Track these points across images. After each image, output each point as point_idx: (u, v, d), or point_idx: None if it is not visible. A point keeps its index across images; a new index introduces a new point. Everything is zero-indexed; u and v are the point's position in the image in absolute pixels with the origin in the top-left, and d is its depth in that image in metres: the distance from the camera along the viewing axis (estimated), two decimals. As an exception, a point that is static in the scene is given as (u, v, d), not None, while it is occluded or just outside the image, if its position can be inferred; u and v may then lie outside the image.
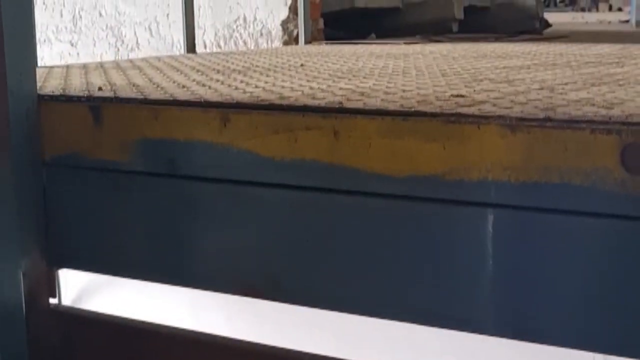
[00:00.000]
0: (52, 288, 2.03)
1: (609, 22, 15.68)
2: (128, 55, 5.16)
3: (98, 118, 1.88)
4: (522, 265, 1.48)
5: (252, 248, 1.75)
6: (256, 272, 1.75)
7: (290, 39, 4.61)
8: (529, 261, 1.48)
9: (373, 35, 5.01)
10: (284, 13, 4.62)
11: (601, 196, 1.40)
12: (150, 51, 5.00)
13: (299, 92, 1.92)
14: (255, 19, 4.72)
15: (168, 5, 4.88)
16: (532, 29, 6.25)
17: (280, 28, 4.63)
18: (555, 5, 26.16)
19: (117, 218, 1.92)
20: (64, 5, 5.31)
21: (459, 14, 5.49)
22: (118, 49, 5.20)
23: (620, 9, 24.87)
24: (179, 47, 4.70)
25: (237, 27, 4.81)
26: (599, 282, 1.43)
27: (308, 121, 1.65)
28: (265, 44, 4.70)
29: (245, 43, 4.76)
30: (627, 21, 14.79)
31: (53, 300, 2.04)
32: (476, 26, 6.04)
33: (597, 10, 25.63)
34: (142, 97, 1.87)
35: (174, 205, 1.82)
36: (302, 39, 4.42)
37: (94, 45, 5.30)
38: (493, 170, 1.48)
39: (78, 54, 5.37)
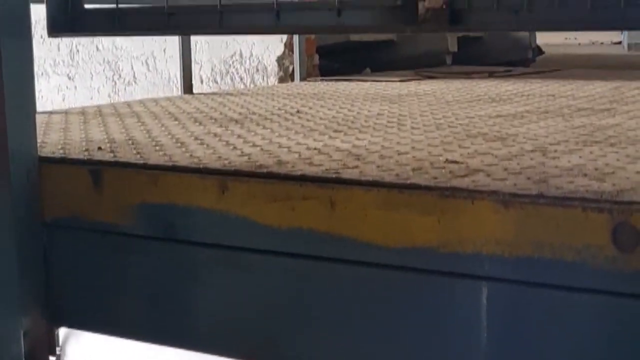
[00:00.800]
0: (52, 346, 2.06)
1: (602, 44, 15.70)
2: (125, 89, 5.20)
3: (98, 181, 1.91)
4: (515, 338, 1.51)
5: (249, 313, 1.78)
6: (254, 337, 1.77)
7: (286, 75, 4.65)
8: (522, 334, 1.51)
9: (368, 69, 5.06)
10: (279, 49, 4.67)
11: (593, 273, 1.43)
12: (147, 85, 5.04)
13: (296, 155, 1.95)
14: (251, 54, 4.76)
15: (165, 40, 4.93)
16: (525, 58, 6.30)
17: (276, 64, 4.68)
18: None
19: (117, 279, 1.94)
20: (61, 39, 5.35)
21: (453, 47, 5.54)
22: (115, 83, 5.24)
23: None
24: (176, 81, 4.74)
25: (233, 62, 4.85)
26: (590, 357, 1.46)
27: (305, 191, 1.68)
28: (261, 80, 4.74)
29: (241, 79, 4.80)
30: (619, 42, 14.82)
31: (52, 358, 2.06)
32: (470, 56, 6.09)
33: (591, 28, 25.72)
34: (141, 161, 1.90)
35: (173, 268, 1.85)
36: (297, 75, 4.46)
37: (91, 78, 5.34)
38: (487, 244, 1.51)
39: (75, 87, 5.41)
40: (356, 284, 1.65)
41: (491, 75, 4.69)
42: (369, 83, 4.21)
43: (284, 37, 4.64)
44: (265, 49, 4.65)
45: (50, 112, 3.12)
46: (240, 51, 4.80)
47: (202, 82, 4.85)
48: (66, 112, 3.08)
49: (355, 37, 5.24)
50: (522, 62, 6.33)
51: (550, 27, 1.68)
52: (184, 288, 1.84)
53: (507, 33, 6.71)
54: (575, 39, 15.76)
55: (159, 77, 5.02)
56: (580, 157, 1.88)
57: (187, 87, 3.85)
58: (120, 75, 5.26)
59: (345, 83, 4.23)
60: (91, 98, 5.26)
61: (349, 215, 1.64)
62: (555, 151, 1.97)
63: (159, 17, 1.86)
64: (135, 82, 5.22)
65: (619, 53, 11.87)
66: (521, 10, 1.51)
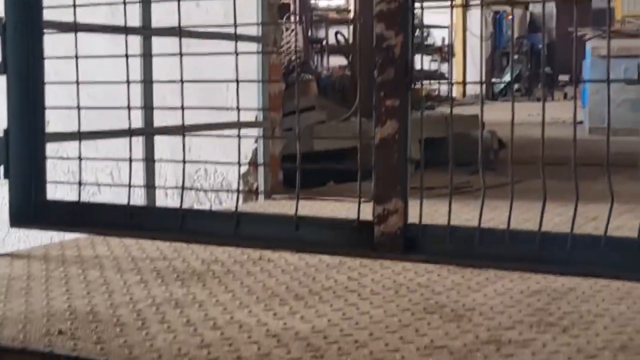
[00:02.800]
0: None
1: (563, 122, 15.92)
2: (89, 200, 5.20)
3: (58, 377, 1.92)
4: None
5: None
6: None
7: (251, 192, 4.70)
8: None
9: (332, 182, 5.13)
10: (244, 166, 4.72)
11: None
12: (110, 196, 5.05)
13: (255, 347, 1.97)
14: (216, 170, 4.81)
15: (130, 151, 4.95)
16: (487, 161, 6.41)
17: (240, 181, 4.73)
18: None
19: None
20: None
21: (416, 154, 5.62)
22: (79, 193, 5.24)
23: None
24: (140, 194, 4.76)
25: (198, 177, 4.89)
26: None
27: (263, 403, 1.70)
28: (225, 196, 4.79)
29: (205, 193, 4.84)
30: (581, 122, 15.00)
31: None
32: (433, 156, 6.18)
33: (552, 98, 26.17)
34: (102, 358, 1.91)
35: None
36: (262, 193, 4.52)
37: (56, 187, 5.33)
38: None
39: (39, 194, 5.39)
40: None
41: (457, 190, 4.76)
42: (331, 206, 4.26)
43: (249, 154, 4.70)
44: (230, 167, 4.70)
45: (12, 255, 3.12)
46: (205, 167, 4.85)
47: (166, 195, 4.88)
48: (29, 257, 3.08)
49: (319, 147, 5.31)
50: (485, 162, 6.43)
51: (501, 266, 1.73)
52: None
53: (469, 134, 6.83)
54: (538, 114, 15.86)
55: (124, 188, 5.02)
56: (533, 353, 1.92)
57: (151, 215, 3.87)
58: (84, 186, 5.27)
59: (308, 205, 4.27)
60: (55, 207, 5.26)
61: None
62: (510, 342, 2.01)
63: (121, 216, 1.89)
64: (99, 192, 5.25)
65: (580, 137, 11.84)
66: (473, 242, 1.56)
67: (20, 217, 1.97)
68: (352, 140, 5.60)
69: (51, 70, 3.03)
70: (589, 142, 11.56)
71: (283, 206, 4.29)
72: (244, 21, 4.40)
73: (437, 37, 24.89)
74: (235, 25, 2.44)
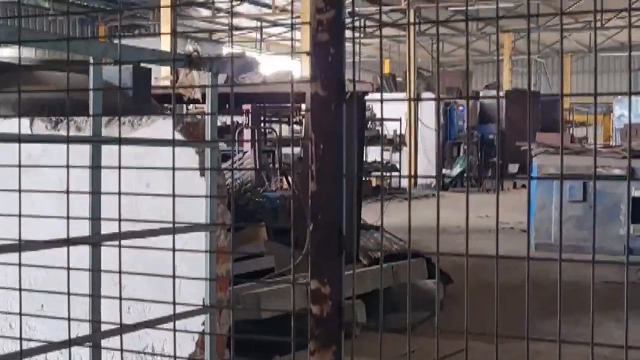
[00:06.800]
0: None
1: (512, 229, 16.11)
2: (36, 369, 5.22)
3: None
4: None
5: None
6: None
7: (194, 379, 4.75)
8: None
9: (277, 356, 5.21)
10: (191, 347, 4.77)
11: None
12: (58, 366, 5.08)
13: None
14: (163, 350, 4.85)
15: (78, 325, 5.00)
16: (431, 313, 6.55)
17: (187, 361, 4.78)
18: (462, 184, 27.02)
19: None
20: (-27, 313, 5.37)
21: (362, 318, 5.75)
22: (26, 362, 5.25)
23: (524, 186, 26.03)
24: (88, 368, 4.79)
25: (145, 356, 4.93)
26: None
27: None
28: (172, 375, 4.83)
29: (152, 374, 4.88)
30: (527, 231, 15.18)
31: None
32: (375, 315, 6.31)
33: (502, 188, 26.61)
34: None
35: None
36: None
37: (2, 350, 5.35)
38: None
39: (-15, 360, 5.39)
40: None
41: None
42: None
43: (196, 336, 4.76)
44: (178, 347, 4.74)
45: None
46: (152, 345, 4.89)
47: (113, 368, 4.91)
48: None
49: (266, 315, 5.40)
50: (431, 312, 6.59)
51: None
52: None
53: (416, 284, 6.97)
54: (487, 216, 16.07)
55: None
56: None
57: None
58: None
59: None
60: (1, 374, 5.25)
61: None
62: None
63: None
64: (46, 362, 5.25)
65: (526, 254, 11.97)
66: None
67: None
68: (301, 303, 5.70)
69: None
70: (534, 263, 11.71)
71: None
72: (194, 207, 4.50)
73: (389, 128, 25.23)
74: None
